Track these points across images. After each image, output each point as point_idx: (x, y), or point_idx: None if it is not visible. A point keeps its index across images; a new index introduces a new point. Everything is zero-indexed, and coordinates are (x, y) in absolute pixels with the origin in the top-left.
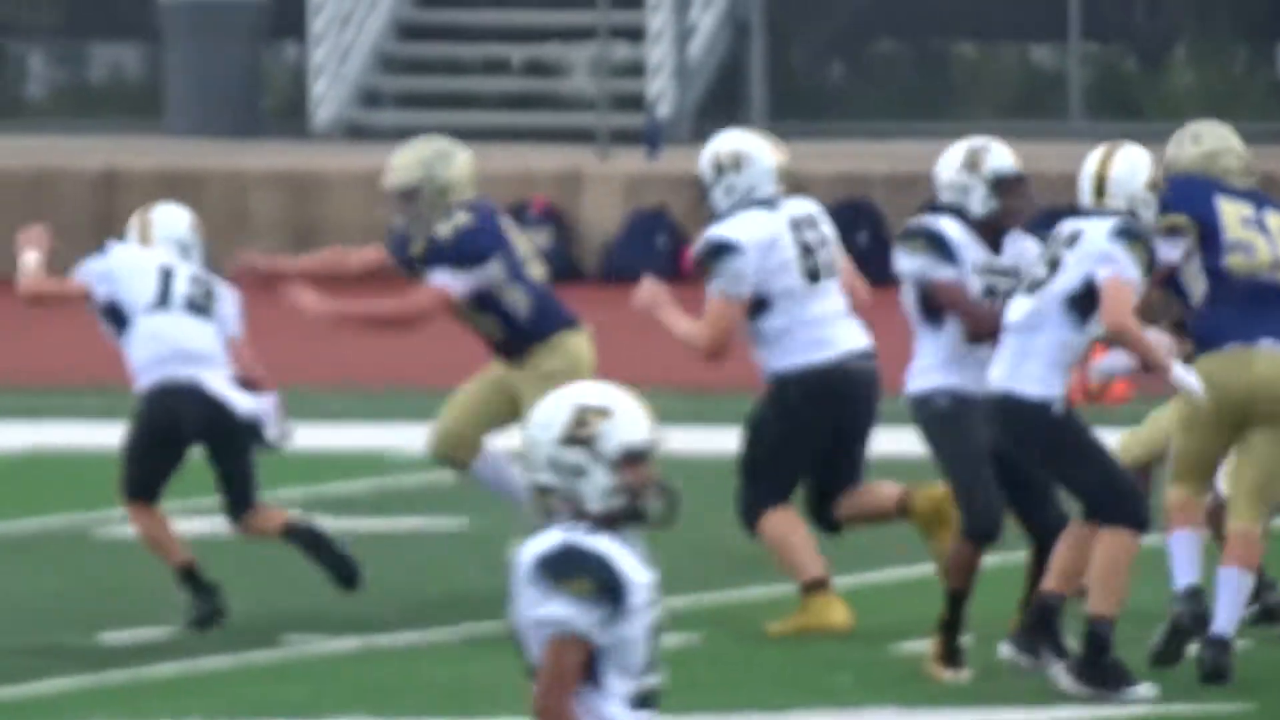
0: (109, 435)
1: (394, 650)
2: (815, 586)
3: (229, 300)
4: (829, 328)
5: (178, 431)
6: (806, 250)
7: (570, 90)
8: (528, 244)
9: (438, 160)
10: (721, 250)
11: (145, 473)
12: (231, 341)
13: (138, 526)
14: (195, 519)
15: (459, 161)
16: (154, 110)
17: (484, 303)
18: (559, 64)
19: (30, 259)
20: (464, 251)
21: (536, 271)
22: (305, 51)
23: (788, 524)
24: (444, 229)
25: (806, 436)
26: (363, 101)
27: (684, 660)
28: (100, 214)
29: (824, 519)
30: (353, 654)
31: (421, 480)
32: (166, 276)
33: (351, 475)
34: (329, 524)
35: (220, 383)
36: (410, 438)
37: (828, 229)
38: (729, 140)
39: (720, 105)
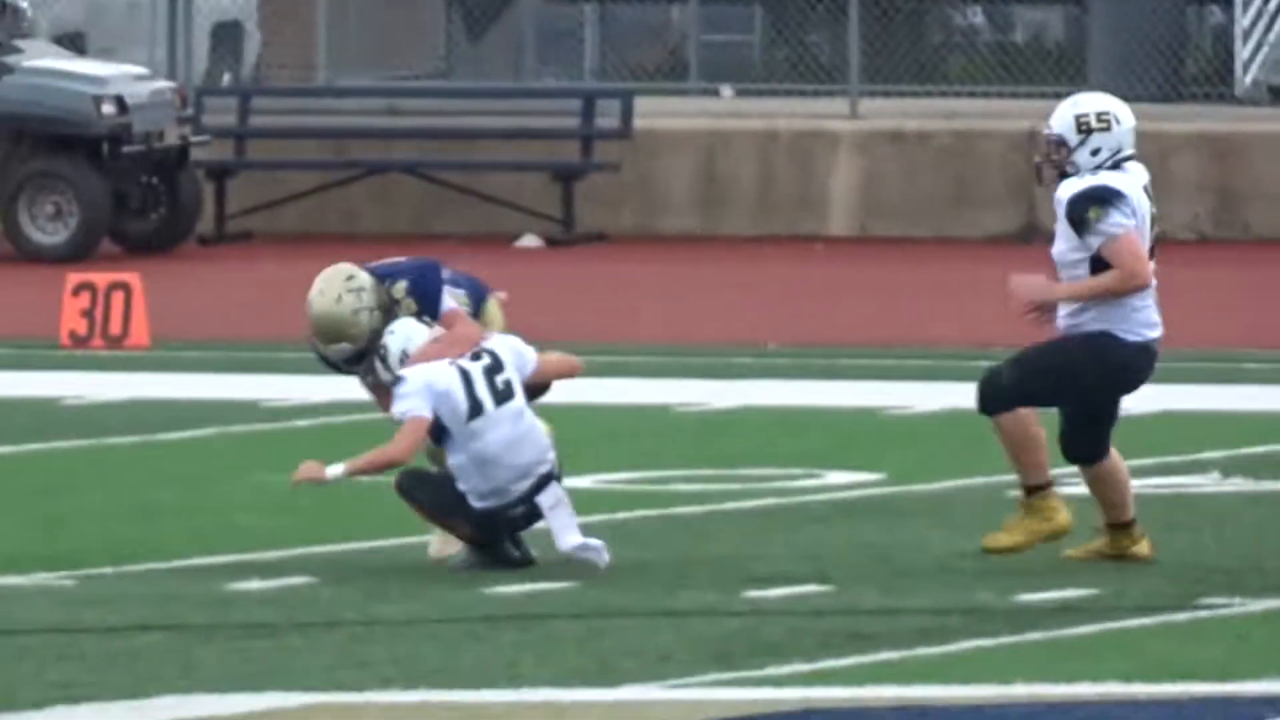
0: None
1: None
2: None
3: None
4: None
5: None
6: (1152, 220)
7: None
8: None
9: (348, 296)
10: (1112, 195)
11: None
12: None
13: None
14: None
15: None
16: (1078, 74)
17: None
18: None
19: (334, 471)
20: (429, 280)
21: None
22: (1232, 15)
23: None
24: (390, 323)
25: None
26: None
27: None
28: (1016, 176)
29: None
30: (1269, 616)
31: None
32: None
33: (1270, 439)
34: (1244, 486)
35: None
36: None
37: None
38: (1093, 101)
39: None
